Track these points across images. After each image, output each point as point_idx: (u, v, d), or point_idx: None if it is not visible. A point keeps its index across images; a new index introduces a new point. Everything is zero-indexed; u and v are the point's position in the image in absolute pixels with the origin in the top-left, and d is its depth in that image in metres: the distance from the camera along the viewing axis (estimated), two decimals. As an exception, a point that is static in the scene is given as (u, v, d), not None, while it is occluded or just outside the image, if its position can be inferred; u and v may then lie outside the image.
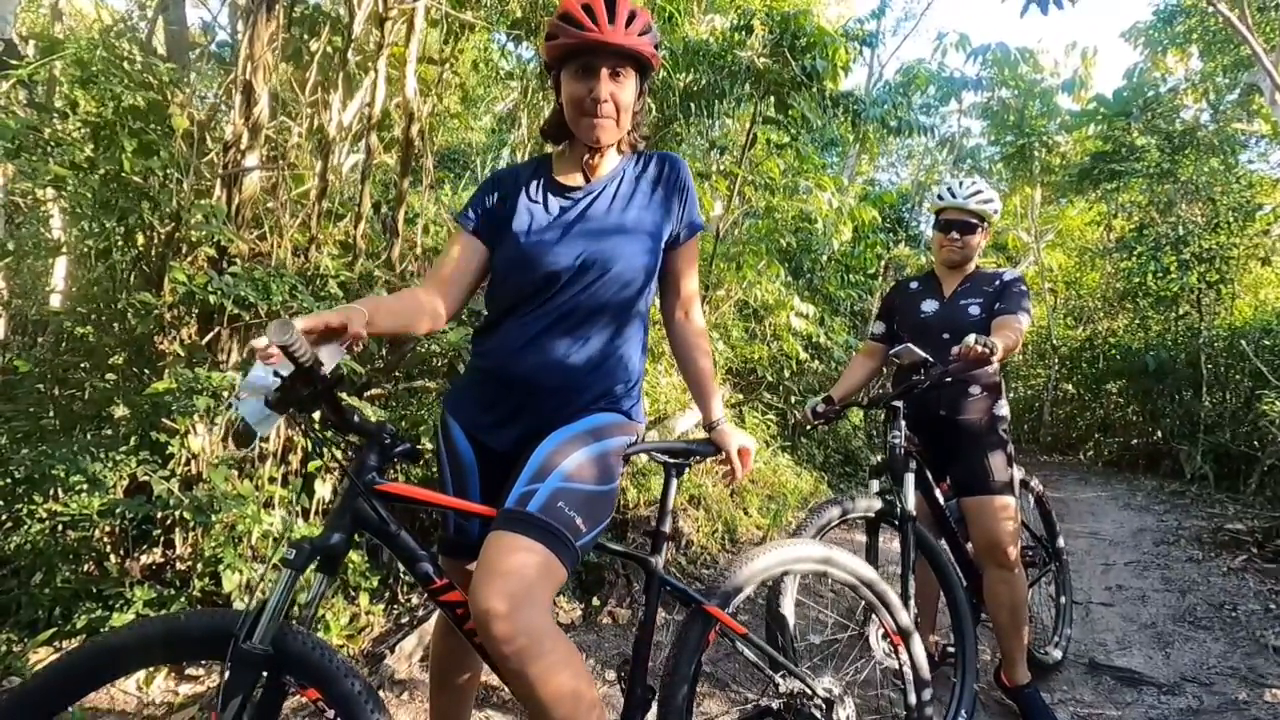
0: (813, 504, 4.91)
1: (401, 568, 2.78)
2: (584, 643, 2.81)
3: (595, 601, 3.09)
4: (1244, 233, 8.73)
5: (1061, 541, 3.07)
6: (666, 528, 1.63)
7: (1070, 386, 11.72)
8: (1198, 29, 9.51)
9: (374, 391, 3.11)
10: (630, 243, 1.47)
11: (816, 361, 6.69)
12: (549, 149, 1.63)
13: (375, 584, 2.67)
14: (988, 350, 2.01)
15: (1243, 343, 7.87)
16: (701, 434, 1.73)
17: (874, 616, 1.98)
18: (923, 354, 2.19)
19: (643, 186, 1.54)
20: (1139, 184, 9.92)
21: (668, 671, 1.55)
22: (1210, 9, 8.98)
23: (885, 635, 1.98)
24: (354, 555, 2.60)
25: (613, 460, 1.43)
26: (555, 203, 1.52)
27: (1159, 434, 9.16)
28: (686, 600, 1.59)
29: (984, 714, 2.48)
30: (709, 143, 4.84)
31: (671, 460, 1.64)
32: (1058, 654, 2.93)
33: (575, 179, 1.55)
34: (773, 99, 3.94)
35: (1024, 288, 2.43)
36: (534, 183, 1.54)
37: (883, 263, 9.18)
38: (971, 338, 2.02)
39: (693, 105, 3.70)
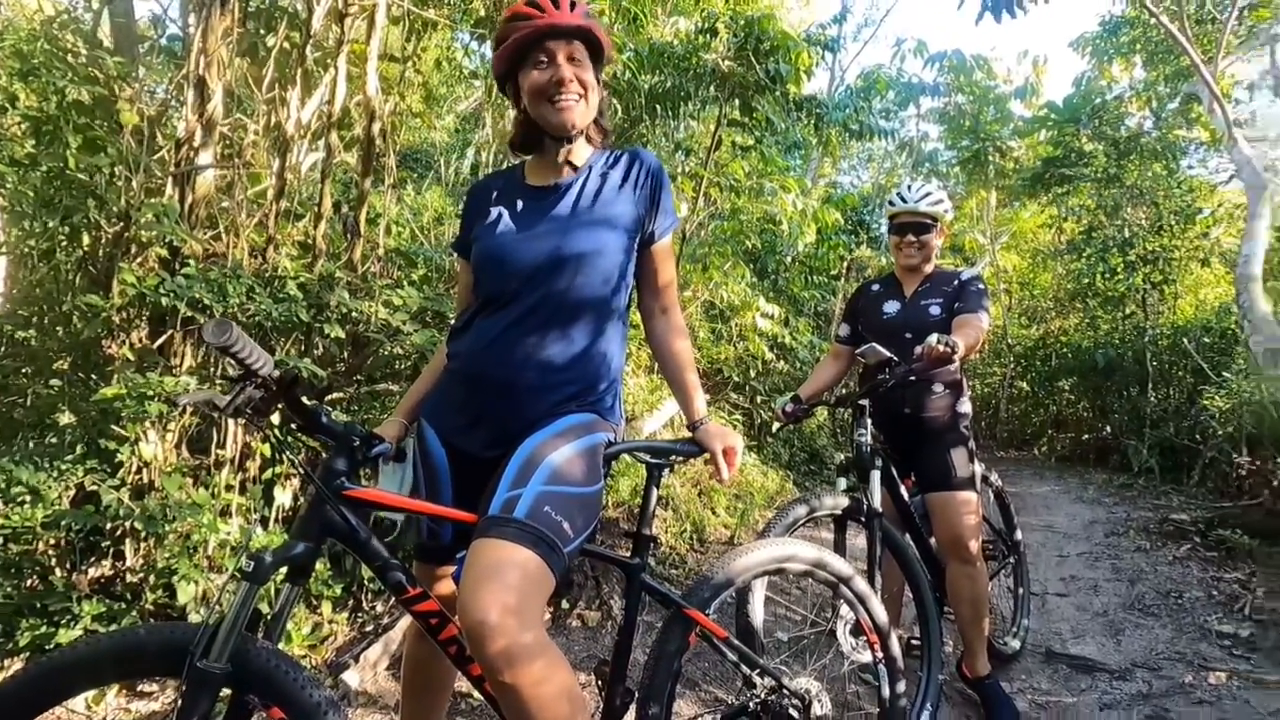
0: (780, 502, 4.98)
1: (367, 575, 2.73)
2: (553, 646, 2.80)
3: (564, 604, 3.08)
4: (1185, 235, 9.13)
5: (1019, 535, 3.16)
6: (649, 530, 1.61)
7: (1025, 384, 12.08)
8: (1140, 40, 9.89)
9: (335, 395, 3.04)
10: (604, 238, 1.47)
11: (782, 361, 6.76)
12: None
13: (339, 592, 2.61)
14: (950, 349, 2.07)
15: (1185, 340, 8.22)
16: (683, 433, 1.72)
17: (840, 611, 2.01)
18: (887, 353, 2.25)
19: (614, 181, 1.54)
20: (1087, 188, 10.29)
21: (648, 675, 1.54)
22: (1152, 21, 9.37)
23: (854, 630, 2.01)
24: (318, 563, 2.54)
25: (596, 459, 1.40)
26: (525, 203, 1.52)
27: (1108, 429, 9.50)
28: (667, 603, 1.57)
29: (948, 705, 2.54)
30: (674, 144, 4.86)
31: (653, 460, 1.62)
32: (1016, 644, 3.02)
33: (546, 179, 1.54)
34: (737, 101, 3.98)
35: (982, 286, 2.50)
36: (506, 188, 1.55)
37: (845, 264, 9.34)
38: (934, 337, 2.07)
39: (658, 107, 3.71)
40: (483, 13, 3.69)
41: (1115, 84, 11.12)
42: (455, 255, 1.68)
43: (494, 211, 1.51)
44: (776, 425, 2.75)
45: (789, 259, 6.51)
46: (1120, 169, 9.66)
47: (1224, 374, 7.25)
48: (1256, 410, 5.95)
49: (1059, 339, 11.36)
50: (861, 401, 2.36)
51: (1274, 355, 4.09)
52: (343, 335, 2.74)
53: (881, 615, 1.86)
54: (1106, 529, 5.46)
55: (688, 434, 1.65)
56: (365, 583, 2.74)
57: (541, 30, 1.39)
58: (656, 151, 4.50)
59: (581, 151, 1.55)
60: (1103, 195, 10.00)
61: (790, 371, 6.96)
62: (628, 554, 1.56)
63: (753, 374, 6.05)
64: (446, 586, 1.54)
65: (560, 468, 1.33)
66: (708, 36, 4.25)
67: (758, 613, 2.08)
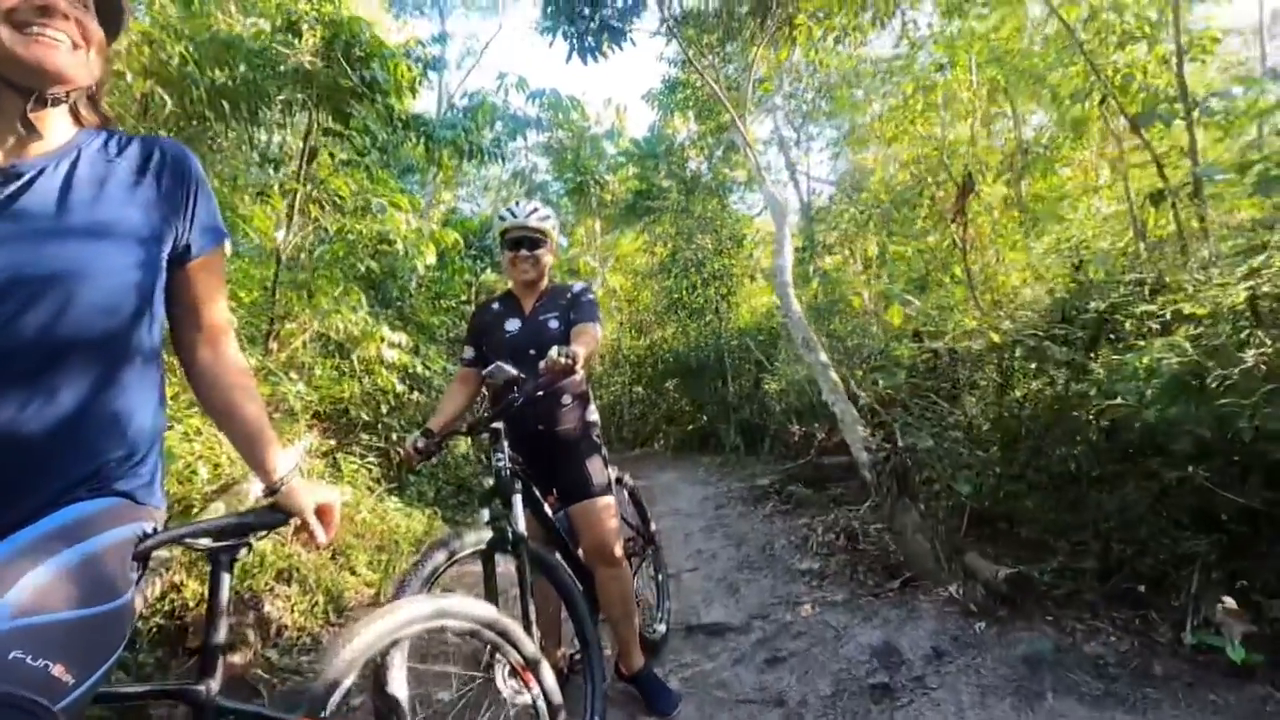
0: (415, 554, 4.58)
1: None
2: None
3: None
4: (738, 256, 11.45)
5: (654, 526, 3.43)
6: (220, 637, 1.21)
7: (640, 388, 13.72)
8: (691, 98, 12.13)
9: None
10: (104, 251, 1.04)
11: (416, 393, 6.37)
12: None
13: None
14: (570, 361, 2.09)
15: (748, 340, 10.24)
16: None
17: (499, 656, 1.84)
18: (513, 371, 2.18)
19: (120, 174, 1.11)
20: (668, 218, 12.21)
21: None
22: (699, 83, 11.56)
23: (513, 672, 1.86)
24: None
25: (111, 565, 0.99)
26: None
27: (705, 418, 11.32)
28: None
29: (611, 709, 2.56)
30: (260, 155, 4.15)
31: (217, 545, 1.23)
32: (662, 628, 3.24)
33: None
34: (330, 106, 3.55)
35: (592, 296, 2.63)
36: None
37: (473, 289, 9.35)
38: (554, 351, 2.08)
39: (226, 104, 3.07)
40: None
41: (678, 133, 13.44)
42: None
43: None
44: (406, 467, 2.50)
45: (412, 284, 6.18)
46: (689, 202, 11.71)
47: (775, 364, 9.23)
48: (799, 389, 7.69)
49: (662, 347, 13.19)
50: (495, 424, 2.25)
51: (808, 343, 5.29)
52: None
53: (529, 648, 1.75)
54: (715, 502, 6.40)
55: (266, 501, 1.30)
56: None
57: None
58: (236, 162, 3.76)
59: (58, 125, 1.08)
60: (679, 224, 11.97)
61: (426, 403, 6.60)
62: (191, 679, 1.15)
63: (384, 410, 5.55)
64: None
65: (42, 587, 0.89)
66: (288, 34, 3.72)
67: (400, 687, 1.77)
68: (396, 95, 3.87)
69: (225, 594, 1.24)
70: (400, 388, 5.34)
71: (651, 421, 13.32)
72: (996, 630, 2.65)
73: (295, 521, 1.30)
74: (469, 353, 2.68)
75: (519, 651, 1.72)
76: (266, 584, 3.41)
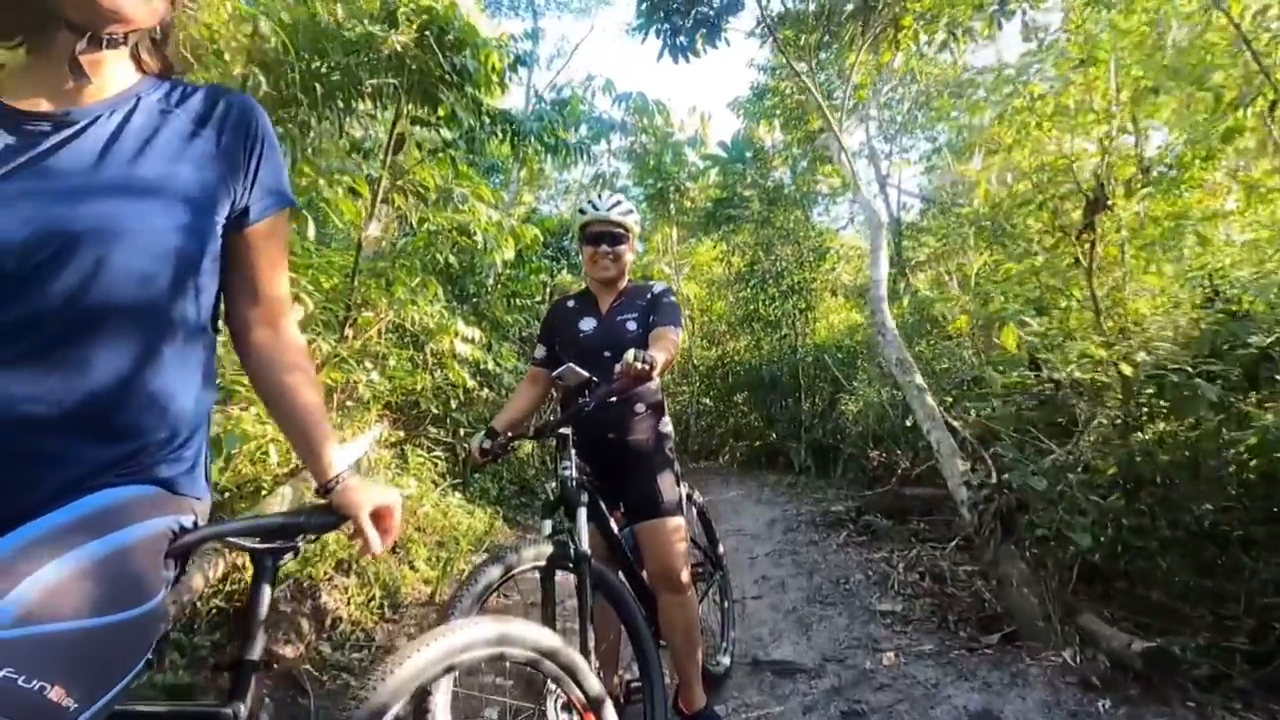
0: (474, 553, 4.50)
1: None
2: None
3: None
4: (819, 269, 11.04)
5: (721, 548, 3.20)
6: (255, 653, 1.07)
7: (708, 400, 13.43)
8: (779, 106, 11.81)
9: None
10: (145, 210, 0.91)
11: (486, 389, 6.35)
12: None
13: None
14: (647, 366, 1.91)
15: (825, 357, 9.82)
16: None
17: (552, 687, 1.67)
18: (585, 373, 2.03)
19: (176, 126, 0.99)
20: (748, 228, 11.92)
21: None
22: (788, 91, 11.25)
23: (568, 706, 1.68)
24: None
25: (139, 563, 0.86)
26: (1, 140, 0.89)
27: (774, 435, 10.93)
28: None
29: (671, 750, 2.35)
30: (350, 143, 4.18)
31: (262, 546, 1.10)
32: (726, 660, 3.01)
33: (42, 101, 0.93)
34: (420, 92, 3.51)
35: (674, 298, 2.46)
36: None
37: (548, 290, 9.35)
38: (630, 354, 1.91)
39: (319, 87, 3.06)
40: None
41: (761, 142, 13.15)
42: None
43: None
44: (475, 466, 2.41)
45: (490, 280, 6.16)
46: (771, 213, 11.38)
47: (854, 383, 8.79)
48: (879, 411, 7.25)
49: (734, 359, 12.87)
50: (563, 429, 2.08)
51: (903, 364, 4.93)
52: None
53: (594, 686, 1.56)
54: (784, 526, 6.07)
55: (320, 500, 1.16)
56: None
57: None
58: (327, 150, 3.78)
59: (116, 70, 0.97)
60: (759, 234, 11.66)
61: (495, 400, 6.57)
62: (218, 701, 1.01)
63: (454, 404, 5.53)
64: None
65: (46, 597, 0.75)
66: (385, 26, 3.71)
67: (444, 715, 1.61)
68: (486, 86, 3.81)
69: (265, 604, 1.10)
70: (471, 383, 5.29)
71: (718, 435, 13.00)
72: (1126, 712, 2.27)
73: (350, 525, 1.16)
74: (540, 352, 2.55)
75: (581, 689, 1.53)
76: (325, 573, 3.37)
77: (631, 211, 2.48)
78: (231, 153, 1.02)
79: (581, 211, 2.50)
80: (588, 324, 2.41)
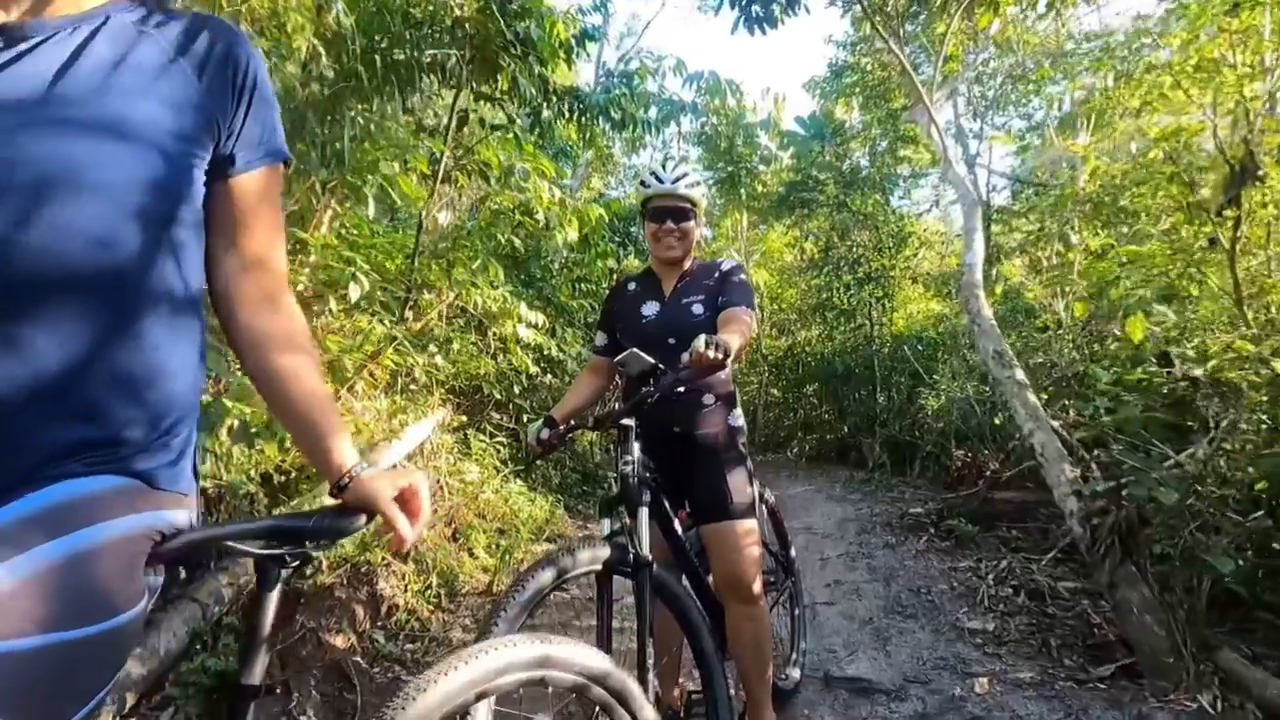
0: (523, 568, 4.35)
1: None
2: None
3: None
4: (899, 256, 10.45)
5: (793, 551, 2.95)
6: (255, 677, 0.93)
7: (777, 391, 13.04)
8: (860, 84, 11.23)
9: None
10: (106, 156, 0.76)
11: (549, 376, 6.25)
12: None
13: None
14: (720, 354, 1.68)
15: (904, 349, 9.29)
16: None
17: (601, 717, 1.48)
18: (651, 360, 1.83)
19: (149, 55, 0.83)
20: (823, 213, 11.41)
21: None
22: (868, 67, 10.67)
23: (622, 733, 1.49)
24: None
25: (108, 569, 0.72)
26: None
27: (846, 429, 10.48)
28: None
29: (735, 775, 2.14)
30: (415, 123, 4.10)
31: (268, 552, 0.94)
32: (796, 673, 2.77)
33: None
34: (481, 61, 3.36)
35: (744, 276, 2.22)
36: None
37: (614, 276, 9.20)
38: (701, 340, 1.68)
39: (378, 60, 2.96)
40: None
41: (840, 121, 12.56)
42: None
43: None
44: (529, 458, 2.24)
45: (555, 265, 6.05)
46: (847, 197, 10.84)
47: (934, 377, 8.27)
48: (964, 408, 6.76)
49: (804, 349, 12.43)
50: (626, 421, 1.89)
51: (1001, 357, 4.51)
52: None
53: (648, 716, 1.37)
54: (856, 526, 5.73)
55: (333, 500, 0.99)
56: None
57: None
58: (389, 127, 3.70)
59: None
60: (834, 219, 11.14)
61: (559, 386, 6.47)
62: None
63: (517, 390, 5.44)
64: None
65: None
66: (449, -1, 3.58)
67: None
68: (551, 59, 3.64)
69: (270, 619, 0.95)
70: (534, 368, 5.19)
71: (786, 427, 12.62)
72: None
73: (374, 522, 0.99)
74: (601, 339, 2.37)
75: (635, 717, 1.34)
76: (383, 559, 3.32)
77: (699, 184, 2.25)
78: (215, 92, 0.86)
79: (643, 185, 2.26)
80: (650, 308, 2.21)
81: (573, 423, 2.22)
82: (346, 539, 3.14)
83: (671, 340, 2.06)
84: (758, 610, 2.15)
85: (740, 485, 2.14)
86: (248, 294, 0.93)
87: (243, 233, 0.92)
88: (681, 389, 2.02)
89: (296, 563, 0.98)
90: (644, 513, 1.85)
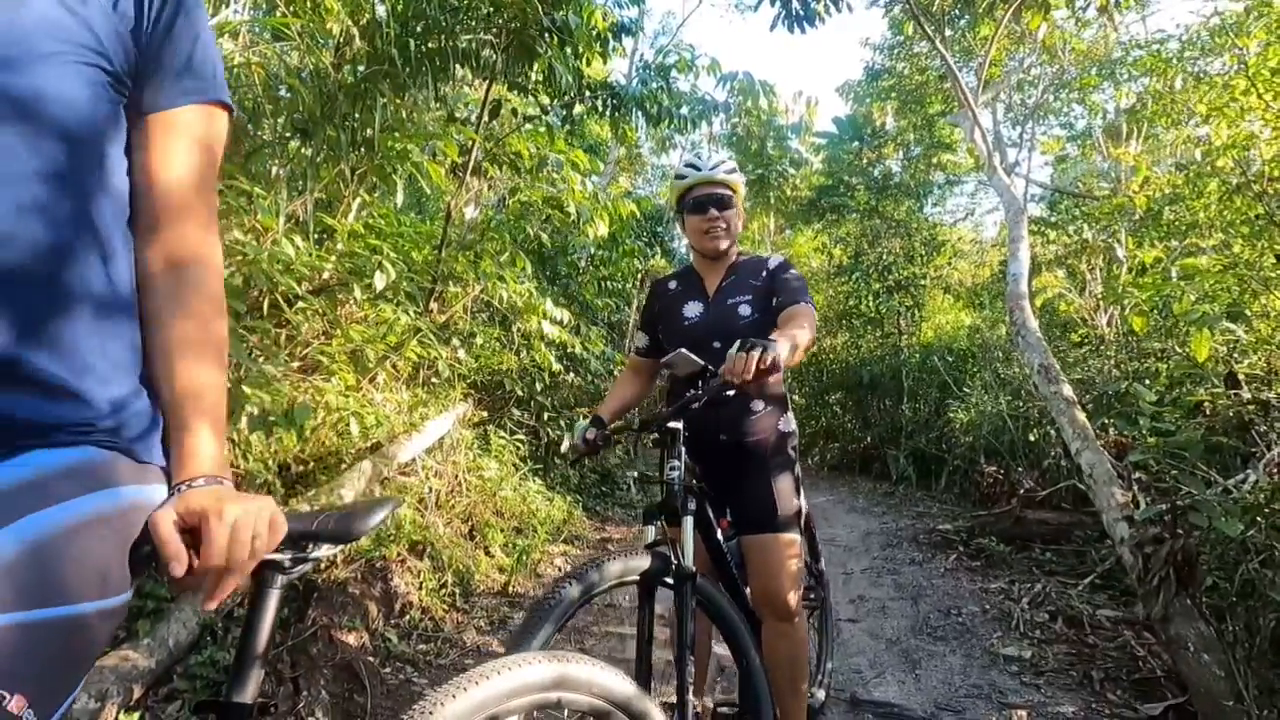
0: (548, 583, 4.27)
1: None
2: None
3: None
4: (931, 264, 10.23)
5: (823, 563, 2.82)
6: (248, 694, 0.85)
7: (799, 398, 12.84)
8: (896, 88, 11.02)
9: None
10: (23, 70, 0.69)
11: (572, 374, 6.17)
12: None
13: None
14: (768, 360, 1.55)
15: (934, 359, 9.08)
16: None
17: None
18: (700, 361, 1.74)
19: None
20: (853, 219, 11.22)
21: None
22: (905, 72, 10.45)
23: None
24: None
25: (81, 546, 0.66)
26: None
27: (870, 439, 10.27)
28: None
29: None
30: (447, 113, 4.04)
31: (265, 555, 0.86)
32: (821, 694, 2.64)
33: None
34: (517, 46, 3.26)
35: (796, 271, 2.09)
36: None
37: (640, 275, 9.10)
38: (740, 349, 1.57)
39: (412, 44, 2.88)
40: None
41: (875, 124, 12.35)
42: None
43: None
44: (573, 458, 2.14)
45: (582, 262, 5.97)
46: (879, 203, 10.65)
47: (964, 389, 8.06)
48: (996, 423, 6.56)
49: (829, 356, 12.23)
50: (674, 424, 1.78)
51: (1047, 371, 4.33)
52: None
53: None
54: (881, 540, 5.57)
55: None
56: None
57: None
58: (420, 114, 3.63)
59: None
60: (865, 225, 10.94)
61: (581, 385, 6.39)
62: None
63: (539, 387, 5.37)
64: None
65: None
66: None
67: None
68: (588, 50, 3.55)
69: (266, 630, 0.86)
70: (557, 366, 5.11)
71: (808, 434, 12.42)
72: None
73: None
74: (642, 340, 2.25)
75: (659, 749, 1.24)
76: (399, 554, 3.25)
77: (737, 170, 2.12)
78: (129, 13, 0.76)
79: (679, 177, 2.12)
80: (693, 309, 2.09)
81: (619, 424, 2.13)
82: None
83: (717, 344, 1.94)
84: (795, 627, 2.04)
85: (787, 495, 2.02)
86: (152, 248, 0.80)
87: (150, 177, 0.79)
88: (731, 393, 1.91)
89: (297, 570, 0.90)
90: (689, 522, 1.75)
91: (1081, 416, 3.84)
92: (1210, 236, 3.89)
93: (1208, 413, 2.92)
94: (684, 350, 1.74)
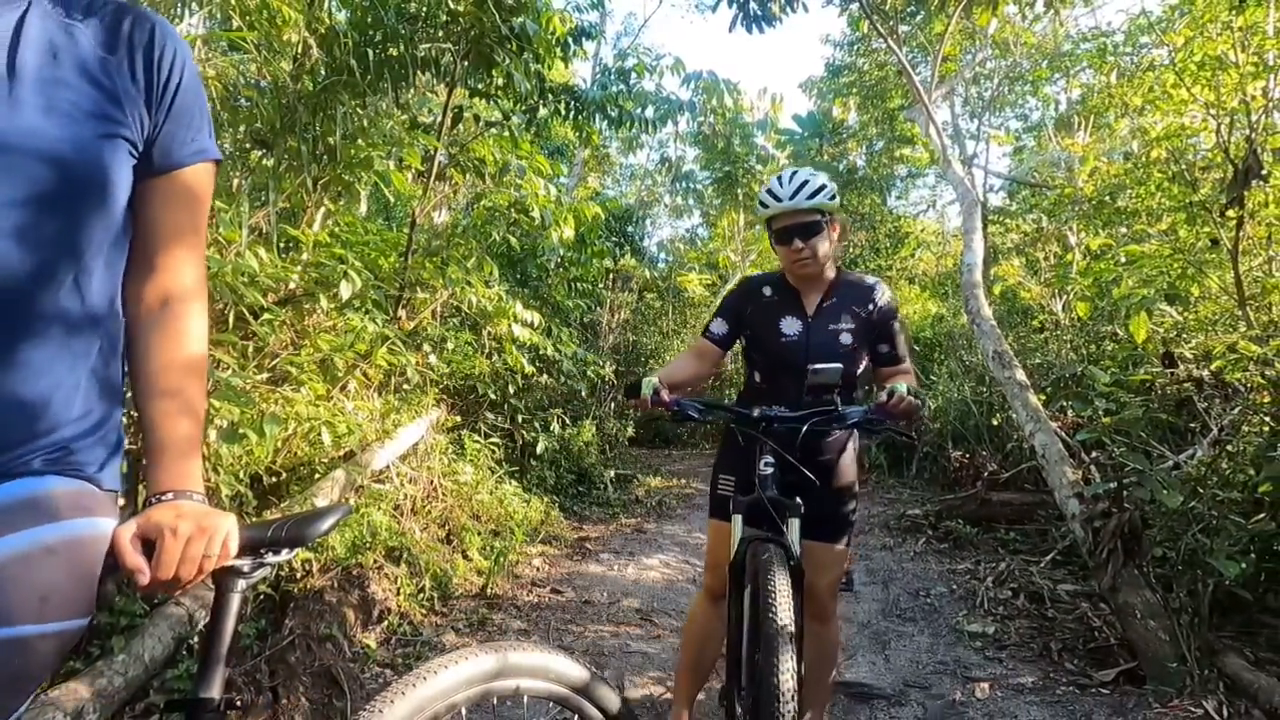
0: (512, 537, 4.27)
1: None
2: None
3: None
4: (895, 256, 10.45)
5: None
6: (215, 690, 0.91)
7: (773, 391, 13.02)
8: (857, 84, 11.21)
9: None
10: (69, 135, 0.75)
11: (545, 375, 6.19)
12: None
13: None
14: (919, 402, 1.76)
15: (901, 349, 9.27)
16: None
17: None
18: (839, 380, 1.92)
19: (87, 42, 0.80)
20: (819, 212, 11.40)
21: None
22: (865, 67, 10.64)
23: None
24: None
25: (15, 572, 0.70)
26: None
27: (842, 430, 10.46)
28: None
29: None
30: (409, 120, 4.05)
31: (226, 562, 0.91)
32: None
33: None
34: (476, 54, 3.30)
35: (902, 317, 2.19)
36: None
37: (611, 276, 9.14)
38: (903, 387, 1.75)
39: (370, 53, 2.90)
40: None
41: (836, 121, 12.55)
42: None
43: None
44: (635, 405, 2.08)
45: (552, 264, 6.00)
46: (843, 197, 10.85)
47: (930, 377, 8.24)
48: (961, 409, 6.74)
49: (802, 349, 12.42)
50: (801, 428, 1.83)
51: (1001, 358, 4.47)
52: None
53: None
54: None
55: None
56: None
57: None
58: (382, 123, 3.64)
59: None
60: (831, 219, 11.13)
61: (555, 386, 6.42)
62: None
63: (512, 390, 5.39)
64: None
65: None
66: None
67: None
68: (548, 55, 3.59)
69: (229, 631, 0.93)
70: (529, 368, 5.14)
71: (782, 427, 12.60)
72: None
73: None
74: (721, 327, 2.15)
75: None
76: (375, 561, 3.26)
77: (824, 188, 1.96)
78: (147, 80, 0.83)
79: (762, 205, 2.03)
80: (791, 326, 2.03)
81: (713, 400, 2.16)
82: (339, 543, 3.10)
83: (814, 365, 1.94)
84: (830, 631, 2.14)
85: (851, 507, 2.09)
86: (148, 292, 0.87)
87: (154, 229, 0.87)
88: (878, 423, 1.88)
89: (257, 574, 0.95)
90: (795, 523, 1.79)
91: (1034, 400, 3.98)
92: (1159, 223, 4.06)
93: (1155, 393, 3.07)
94: (833, 366, 1.89)
